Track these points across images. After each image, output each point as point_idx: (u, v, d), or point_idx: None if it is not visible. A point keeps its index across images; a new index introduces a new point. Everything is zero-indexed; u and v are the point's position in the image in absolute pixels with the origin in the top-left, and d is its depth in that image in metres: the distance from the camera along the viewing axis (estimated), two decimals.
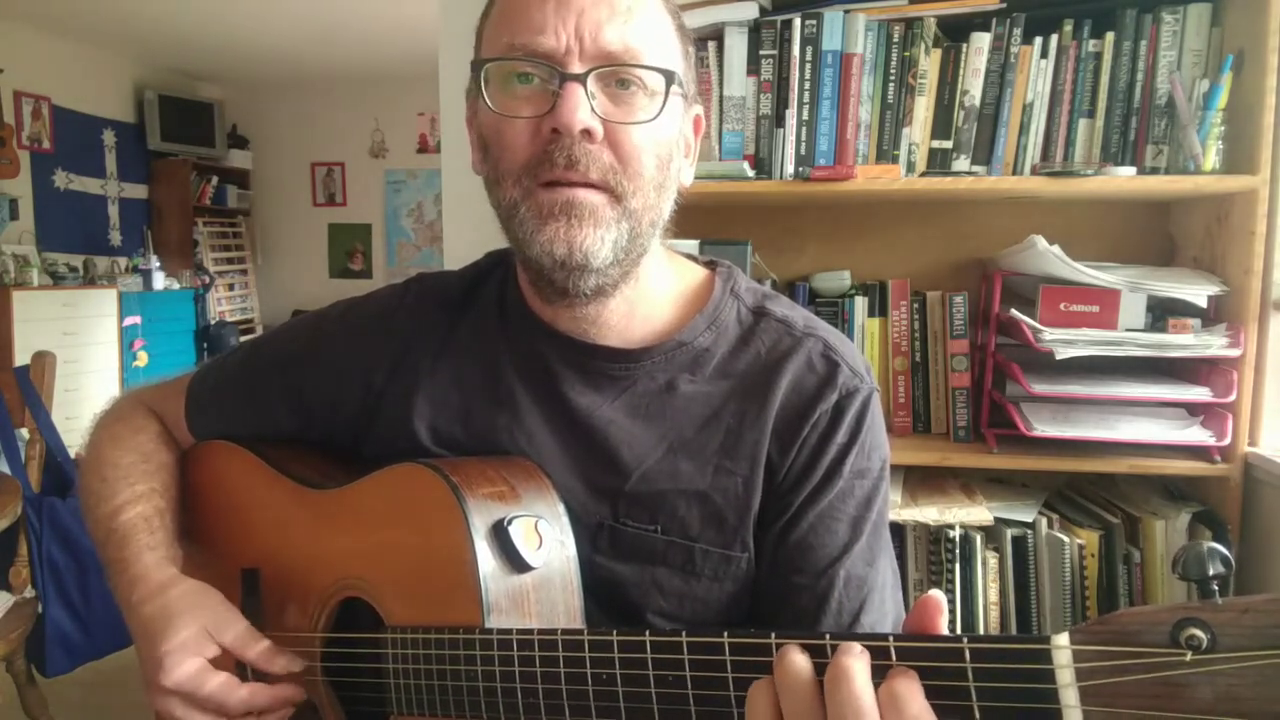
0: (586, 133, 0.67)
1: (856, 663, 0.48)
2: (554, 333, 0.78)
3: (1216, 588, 0.43)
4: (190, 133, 6.38)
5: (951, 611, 1.47)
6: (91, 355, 5.06)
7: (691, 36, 0.76)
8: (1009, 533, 1.48)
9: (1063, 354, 1.40)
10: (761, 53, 1.58)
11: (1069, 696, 0.45)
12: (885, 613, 0.75)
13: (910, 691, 0.47)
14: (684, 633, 0.57)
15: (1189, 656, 0.41)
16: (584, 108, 0.66)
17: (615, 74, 0.68)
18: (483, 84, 0.70)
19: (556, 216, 0.68)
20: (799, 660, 0.50)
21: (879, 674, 0.49)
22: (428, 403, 0.81)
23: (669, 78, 0.69)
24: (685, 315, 0.79)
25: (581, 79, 0.66)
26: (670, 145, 0.72)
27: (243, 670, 0.77)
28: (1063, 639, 0.45)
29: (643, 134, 0.69)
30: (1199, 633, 0.41)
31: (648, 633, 0.59)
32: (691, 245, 1.49)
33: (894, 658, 0.49)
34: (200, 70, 6.50)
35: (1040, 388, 1.44)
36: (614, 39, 0.67)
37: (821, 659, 0.50)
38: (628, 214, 0.70)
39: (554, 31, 0.66)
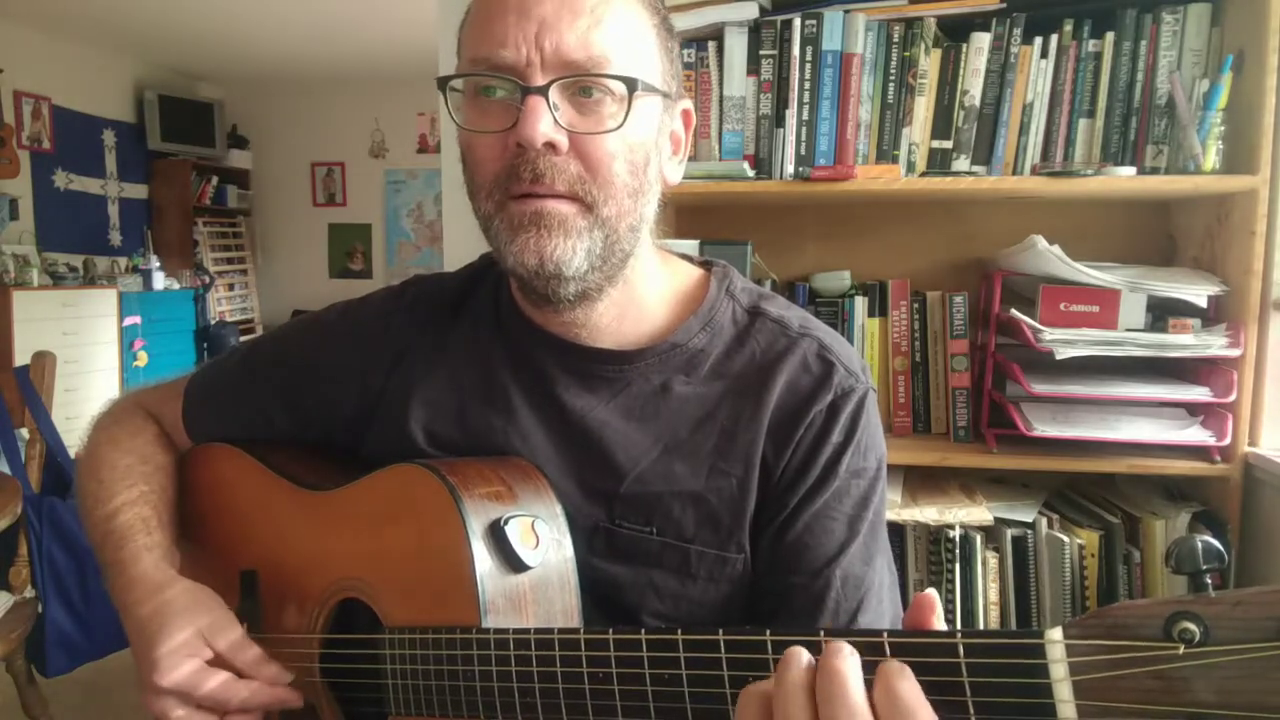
0: (551, 145, 0.66)
1: (846, 664, 0.47)
2: (547, 335, 0.78)
3: (1210, 581, 0.43)
4: (190, 133, 6.39)
5: (951, 611, 1.47)
6: (91, 355, 5.06)
7: (674, 29, 0.75)
8: (1009, 533, 1.48)
9: (1063, 354, 1.40)
10: (761, 53, 1.58)
11: (1063, 691, 0.44)
12: (883, 612, 0.75)
13: (906, 688, 0.46)
14: (680, 631, 0.57)
15: (1182, 650, 0.41)
16: (546, 121, 0.65)
17: (577, 83, 0.67)
18: (447, 99, 0.71)
19: (526, 228, 0.68)
20: (805, 660, 0.49)
21: (872, 671, 0.48)
22: (424, 405, 0.81)
23: (630, 85, 0.67)
24: (680, 316, 0.79)
25: (543, 91, 0.65)
26: (645, 149, 0.71)
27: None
28: (1056, 633, 0.45)
29: (611, 142, 0.68)
30: (1192, 626, 0.41)
31: (644, 632, 0.58)
32: (691, 245, 1.49)
33: (889, 654, 0.49)
34: (200, 70, 6.51)
35: (1040, 388, 1.44)
36: (575, 47, 0.65)
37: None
38: (600, 222, 0.69)
39: (515, 44, 0.65)
